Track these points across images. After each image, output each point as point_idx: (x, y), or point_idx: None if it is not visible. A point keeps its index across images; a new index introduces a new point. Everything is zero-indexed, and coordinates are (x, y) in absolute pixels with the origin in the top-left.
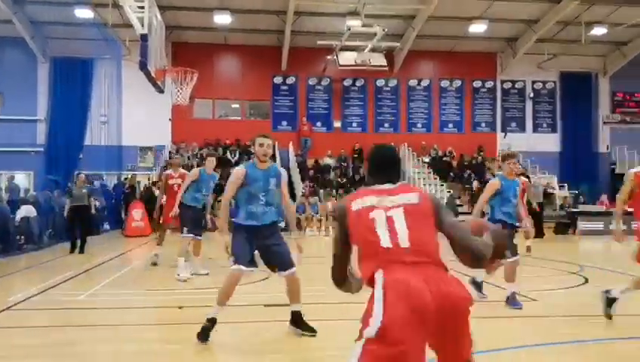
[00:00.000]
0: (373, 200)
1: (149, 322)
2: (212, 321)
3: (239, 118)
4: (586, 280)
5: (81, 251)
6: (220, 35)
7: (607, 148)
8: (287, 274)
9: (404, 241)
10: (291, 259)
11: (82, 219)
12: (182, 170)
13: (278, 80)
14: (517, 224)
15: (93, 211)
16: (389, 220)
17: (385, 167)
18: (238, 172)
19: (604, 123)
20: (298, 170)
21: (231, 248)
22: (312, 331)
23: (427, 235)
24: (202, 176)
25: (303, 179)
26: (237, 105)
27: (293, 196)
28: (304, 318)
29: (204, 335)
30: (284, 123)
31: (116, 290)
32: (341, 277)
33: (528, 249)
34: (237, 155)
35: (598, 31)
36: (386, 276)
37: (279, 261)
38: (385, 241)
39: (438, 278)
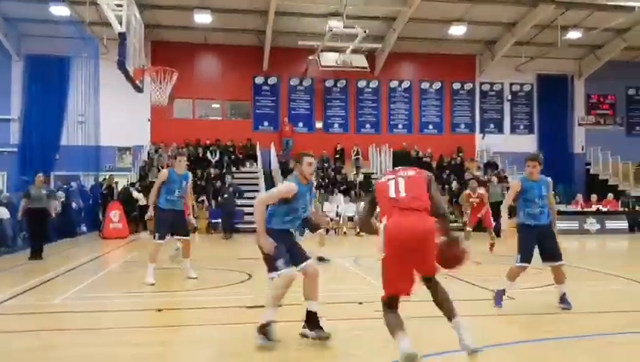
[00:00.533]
0: (390, 176)
1: (128, 325)
2: (269, 324)
3: (220, 118)
4: None
5: (39, 256)
6: (200, 34)
7: (582, 149)
8: (303, 268)
9: (402, 193)
10: (306, 253)
11: (40, 224)
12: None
13: (259, 80)
14: (543, 223)
15: (53, 215)
16: (396, 183)
17: (397, 160)
18: (290, 186)
19: (579, 124)
20: (280, 170)
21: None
22: (326, 336)
23: (418, 192)
24: (172, 177)
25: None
26: (217, 105)
27: None
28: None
29: (267, 336)
30: (266, 123)
31: (94, 293)
32: (365, 223)
33: (491, 247)
34: (217, 155)
35: (574, 34)
36: (388, 221)
37: (297, 256)
38: (391, 193)
39: (419, 218)
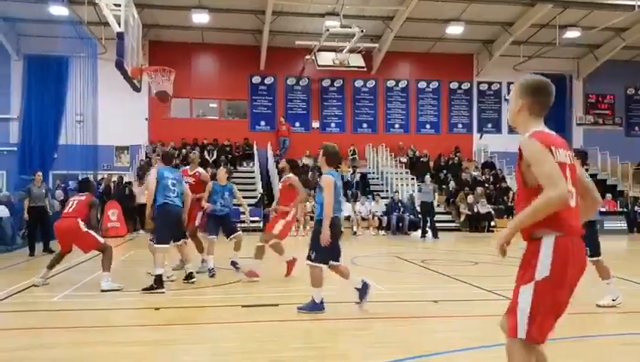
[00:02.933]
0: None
1: (125, 324)
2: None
3: (217, 117)
4: None
5: (48, 250)
6: (197, 33)
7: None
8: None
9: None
10: None
11: (43, 221)
12: (199, 169)
13: (256, 80)
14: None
15: (50, 212)
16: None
17: None
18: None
19: (578, 124)
20: (277, 170)
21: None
22: None
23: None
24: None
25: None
26: (215, 105)
27: (272, 197)
28: None
29: None
30: (263, 123)
31: (91, 292)
32: None
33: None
34: (215, 155)
35: (572, 34)
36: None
37: None
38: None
39: None
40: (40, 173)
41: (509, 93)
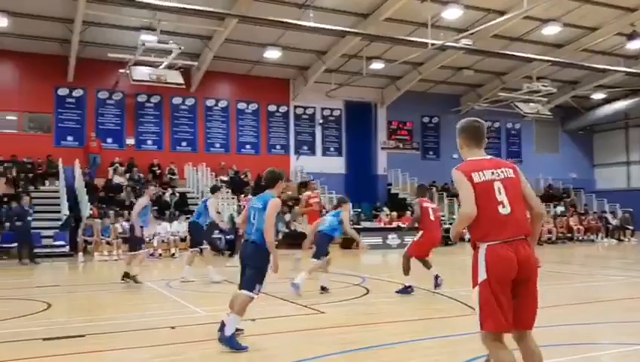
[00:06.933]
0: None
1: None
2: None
3: (16, 131)
4: (368, 291)
5: None
6: None
7: (384, 171)
8: None
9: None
10: None
11: None
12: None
13: (62, 91)
14: None
15: None
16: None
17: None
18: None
19: (382, 148)
20: (85, 189)
21: None
22: None
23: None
24: None
25: (92, 200)
26: (13, 118)
27: (79, 218)
28: None
29: None
30: (70, 138)
31: None
32: None
33: None
34: (14, 173)
35: (377, 65)
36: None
37: None
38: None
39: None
40: None
41: (322, 118)
